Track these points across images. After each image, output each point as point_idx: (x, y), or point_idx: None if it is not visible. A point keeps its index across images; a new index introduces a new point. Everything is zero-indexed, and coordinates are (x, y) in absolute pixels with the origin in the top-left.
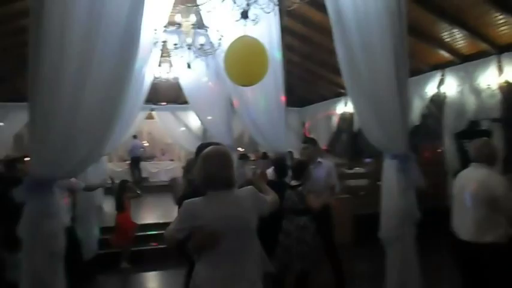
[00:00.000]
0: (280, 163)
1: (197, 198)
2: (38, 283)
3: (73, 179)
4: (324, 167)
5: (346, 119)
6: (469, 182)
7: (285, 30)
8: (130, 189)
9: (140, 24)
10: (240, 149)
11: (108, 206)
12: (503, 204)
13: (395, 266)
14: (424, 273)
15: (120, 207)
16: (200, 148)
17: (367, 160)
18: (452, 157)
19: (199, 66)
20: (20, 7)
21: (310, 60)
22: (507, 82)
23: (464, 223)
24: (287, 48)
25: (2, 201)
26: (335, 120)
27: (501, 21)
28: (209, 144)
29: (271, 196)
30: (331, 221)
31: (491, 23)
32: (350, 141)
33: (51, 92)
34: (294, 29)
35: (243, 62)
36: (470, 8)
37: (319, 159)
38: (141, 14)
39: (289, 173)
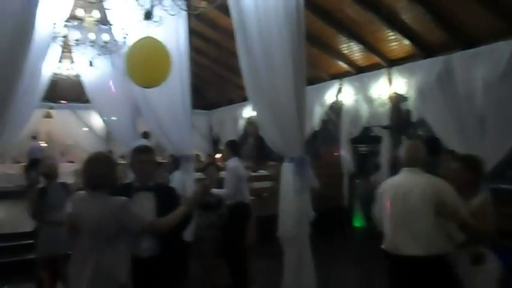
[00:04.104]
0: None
1: (82, 192)
2: None
3: None
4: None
5: (252, 123)
6: (414, 189)
7: (193, 33)
8: None
9: (34, 15)
10: None
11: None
12: (452, 210)
13: (291, 262)
14: (319, 267)
15: None
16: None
17: (272, 163)
18: (347, 160)
19: (103, 64)
20: None
21: (218, 64)
22: (395, 93)
23: (412, 236)
24: (196, 51)
25: None
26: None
27: (392, 37)
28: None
29: (159, 219)
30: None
31: (383, 39)
32: (256, 145)
33: None
34: (204, 32)
35: (144, 64)
36: (366, 24)
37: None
38: (36, 4)
39: None
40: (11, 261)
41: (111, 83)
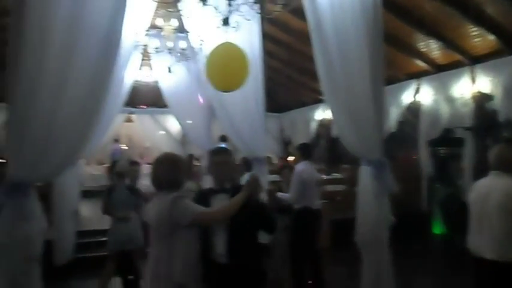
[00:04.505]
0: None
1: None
2: (13, 287)
3: None
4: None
5: (324, 125)
6: (493, 192)
7: (266, 36)
8: None
9: (121, 28)
10: None
11: (85, 209)
12: None
13: (370, 268)
14: (397, 276)
15: None
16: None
17: (345, 166)
18: (426, 163)
19: (180, 70)
20: None
21: (290, 67)
22: (479, 92)
23: (489, 239)
24: (268, 54)
25: None
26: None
27: (475, 33)
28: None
29: (211, 209)
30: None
31: (465, 35)
32: (328, 147)
33: (31, 94)
34: (275, 35)
35: (225, 68)
36: (446, 20)
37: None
38: (122, 17)
39: None
40: (97, 256)
41: (199, 96)
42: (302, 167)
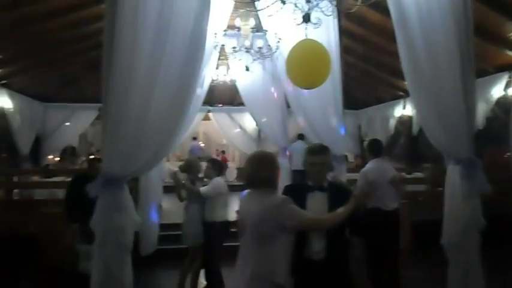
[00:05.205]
0: None
1: (245, 191)
2: (108, 274)
3: None
4: None
5: (404, 122)
6: None
7: (342, 31)
8: None
9: (206, 28)
10: None
11: (167, 203)
12: None
13: (458, 274)
14: (488, 283)
15: None
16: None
17: (427, 165)
18: None
19: (256, 68)
20: (87, 13)
21: (367, 62)
22: None
23: None
24: (344, 50)
25: (79, 196)
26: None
27: None
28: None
29: (318, 216)
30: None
31: None
32: (408, 145)
33: (123, 94)
34: (352, 30)
35: (307, 65)
36: None
37: None
38: (207, 18)
39: None
40: (176, 249)
41: (273, 89)
42: (369, 165)
